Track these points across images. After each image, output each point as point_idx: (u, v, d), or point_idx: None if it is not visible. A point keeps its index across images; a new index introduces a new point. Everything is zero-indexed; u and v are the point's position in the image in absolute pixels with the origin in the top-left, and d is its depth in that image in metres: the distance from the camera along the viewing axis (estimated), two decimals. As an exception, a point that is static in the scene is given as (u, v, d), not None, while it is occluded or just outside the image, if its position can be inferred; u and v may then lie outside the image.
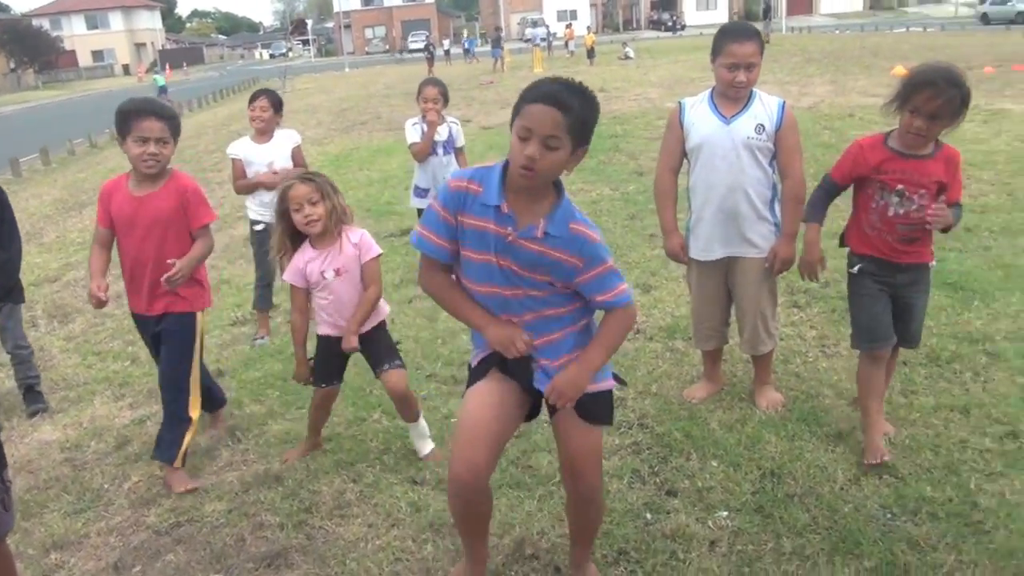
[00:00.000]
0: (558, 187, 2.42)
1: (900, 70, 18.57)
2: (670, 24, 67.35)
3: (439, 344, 5.13)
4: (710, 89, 3.87)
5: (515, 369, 2.59)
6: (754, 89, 3.76)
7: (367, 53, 73.71)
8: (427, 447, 3.80)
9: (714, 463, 3.54)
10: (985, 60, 19.56)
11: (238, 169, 5.27)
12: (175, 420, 3.67)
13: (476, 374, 2.66)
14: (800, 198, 3.80)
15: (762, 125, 3.71)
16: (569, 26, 46.44)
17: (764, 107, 3.74)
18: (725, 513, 3.19)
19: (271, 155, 5.25)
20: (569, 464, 2.66)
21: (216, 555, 3.19)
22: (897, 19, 51.64)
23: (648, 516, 3.21)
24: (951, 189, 3.33)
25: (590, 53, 32.96)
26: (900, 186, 3.28)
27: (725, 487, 3.35)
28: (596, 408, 2.62)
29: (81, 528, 3.45)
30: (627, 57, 33.41)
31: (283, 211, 3.52)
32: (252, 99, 5.28)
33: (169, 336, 3.65)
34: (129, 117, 3.44)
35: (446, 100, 5.96)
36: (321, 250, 3.53)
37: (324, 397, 3.76)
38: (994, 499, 3.13)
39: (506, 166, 2.38)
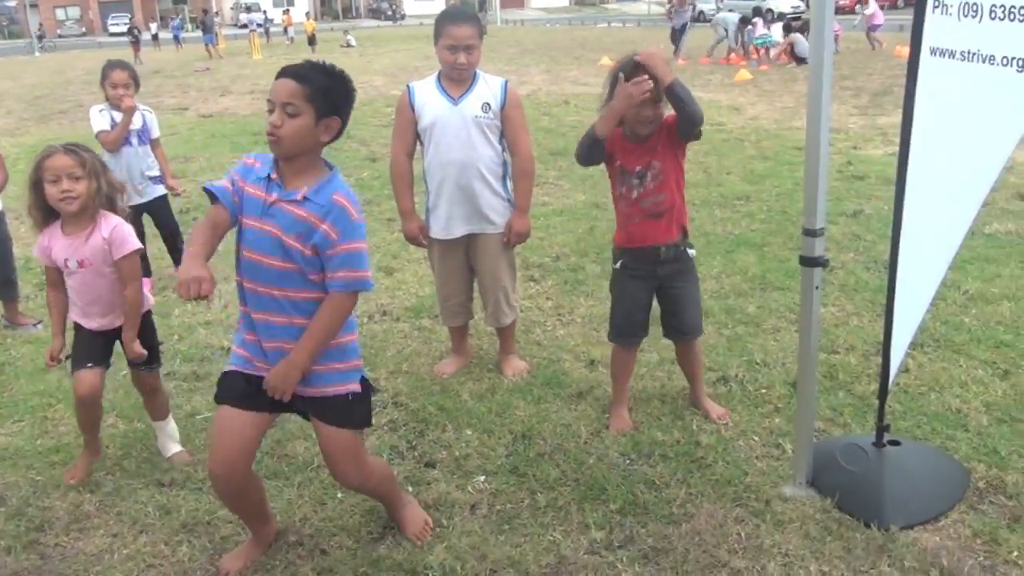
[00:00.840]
0: (330, 167, 2.59)
1: (607, 61, 20.11)
2: (390, 13, 67.67)
3: (176, 340, 4.85)
4: (436, 72, 3.98)
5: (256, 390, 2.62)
6: (478, 71, 3.91)
7: (59, 36, 66.77)
8: (174, 447, 3.60)
9: (469, 432, 3.68)
10: (722, 47, 21.60)
11: None
12: None
13: (223, 389, 2.69)
14: (529, 173, 4.02)
15: (488, 104, 3.87)
16: (287, 12, 45.23)
17: (488, 87, 3.91)
18: (483, 477, 3.33)
19: None
20: (326, 461, 2.81)
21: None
22: (599, 15, 55.64)
23: (410, 489, 3.27)
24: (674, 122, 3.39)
25: (311, 40, 32.29)
26: (638, 167, 3.39)
27: (481, 453, 3.50)
28: (335, 412, 2.68)
29: None
30: (349, 45, 33.18)
31: (36, 180, 3.10)
32: None
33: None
34: None
35: (137, 85, 5.39)
36: (69, 236, 3.16)
37: (86, 383, 3.21)
38: (712, 436, 3.54)
39: None
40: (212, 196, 2.55)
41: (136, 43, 33.00)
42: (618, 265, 3.58)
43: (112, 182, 3.27)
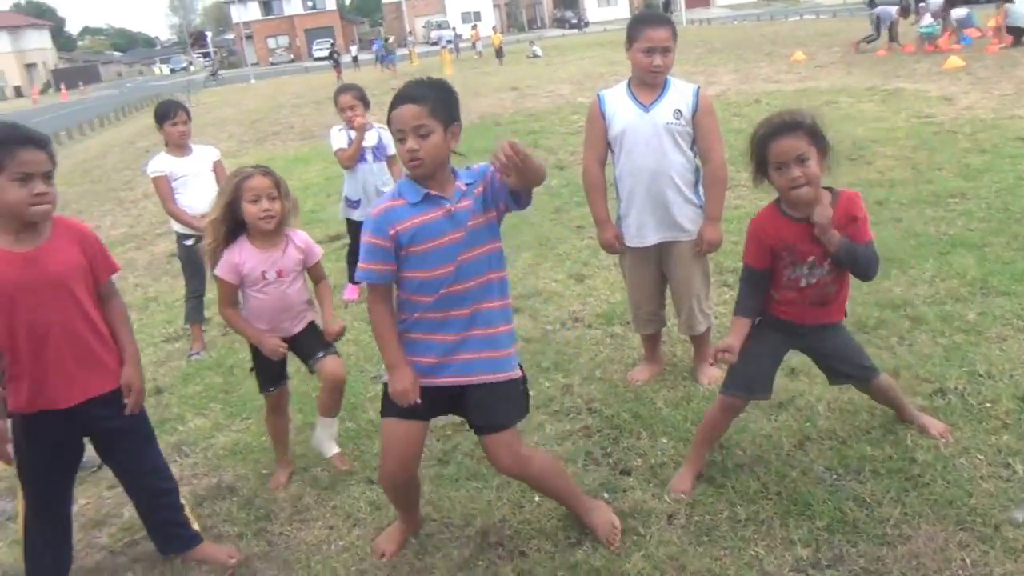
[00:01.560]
0: (453, 171, 2.76)
1: (800, 56, 19.28)
2: (574, 22, 68.24)
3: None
4: (626, 80, 3.96)
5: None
6: (669, 77, 3.86)
7: (271, 63, 72.40)
8: (334, 448, 3.76)
9: (664, 440, 3.63)
10: (877, 43, 20.38)
11: (164, 187, 5.10)
12: (174, 506, 3.14)
13: (391, 401, 2.83)
14: (722, 180, 3.92)
15: (679, 110, 3.80)
16: (475, 27, 46.65)
17: (680, 93, 3.85)
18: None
19: (195, 167, 5.15)
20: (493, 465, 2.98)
21: (176, 570, 3.13)
22: (790, 7, 53.35)
23: (605, 495, 3.28)
24: (858, 233, 2.97)
25: (499, 53, 33.15)
26: (811, 257, 2.98)
27: (676, 462, 3.44)
28: (497, 409, 2.81)
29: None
30: (535, 56, 33.72)
31: (232, 200, 3.31)
32: (170, 112, 5.10)
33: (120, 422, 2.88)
34: (3, 147, 2.56)
35: (366, 104, 5.73)
36: (263, 250, 3.38)
37: (276, 400, 3.65)
38: (930, 453, 3.29)
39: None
40: (372, 284, 2.78)
41: (337, 66, 35.23)
42: (756, 321, 3.17)
43: (295, 203, 3.49)
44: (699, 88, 3.93)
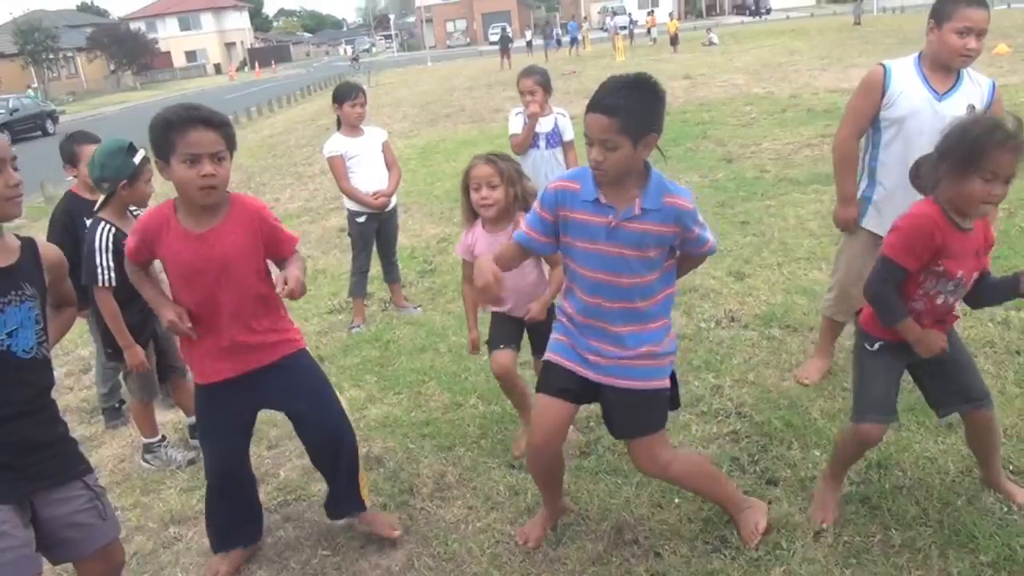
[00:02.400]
0: (646, 166, 2.62)
1: (1003, 48, 17.80)
2: (754, 8, 65.94)
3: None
4: (915, 56, 3.64)
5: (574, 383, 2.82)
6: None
7: (448, 47, 74.31)
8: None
9: (816, 452, 3.47)
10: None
11: (340, 166, 5.35)
12: (353, 463, 3.18)
13: (546, 379, 2.89)
14: None
15: (973, 106, 3.50)
16: (651, 13, 46.04)
17: (975, 86, 3.56)
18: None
19: (367, 147, 5.37)
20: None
21: (323, 533, 3.30)
22: (997, -4, 49.36)
23: (750, 504, 3.17)
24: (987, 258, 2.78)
25: (673, 40, 32.53)
26: (960, 273, 2.70)
27: (828, 476, 3.28)
28: (641, 416, 2.80)
29: (196, 504, 3.60)
30: (711, 43, 32.86)
31: (464, 186, 3.51)
32: (350, 94, 5.31)
33: (298, 372, 3.03)
34: (173, 127, 2.59)
35: (547, 90, 5.48)
36: (492, 234, 3.48)
37: (502, 365, 3.53)
38: (1120, 495, 2.98)
39: None
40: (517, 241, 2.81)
41: (505, 51, 35.15)
42: (875, 347, 2.88)
43: (527, 189, 3.51)
44: (995, 81, 3.65)
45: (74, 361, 5.75)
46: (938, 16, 3.48)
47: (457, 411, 4.20)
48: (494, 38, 62.94)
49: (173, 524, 3.51)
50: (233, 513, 3.12)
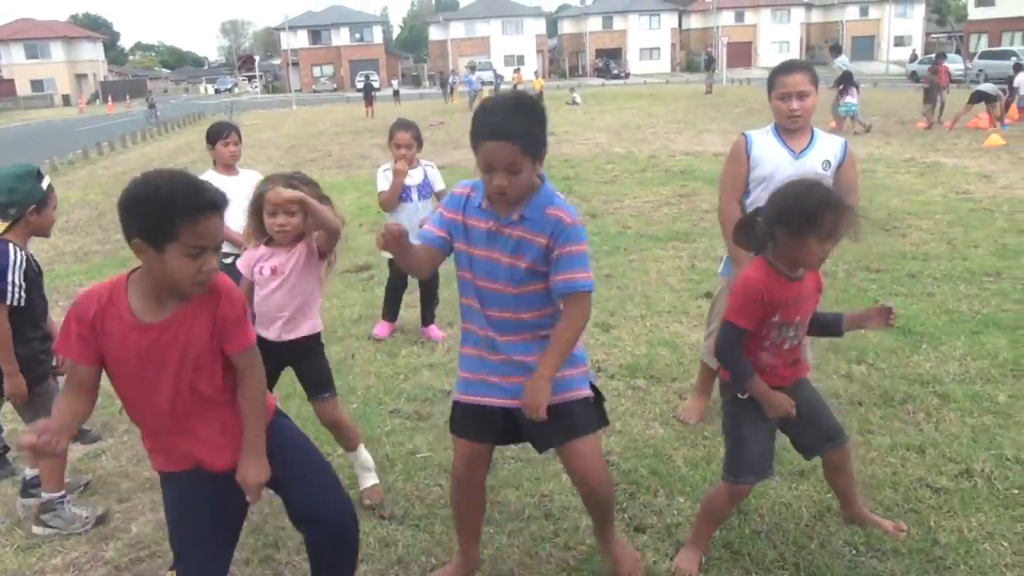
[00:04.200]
0: (541, 179, 2.63)
1: (833, 124, 19.31)
2: (615, 72, 68.95)
3: (401, 380, 5.10)
4: (772, 125, 3.95)
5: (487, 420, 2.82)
6: (815, 129, 3.90)
7: (314, 91, 73.62)
8: (370, 479, 3.74)
9: (681, 499, 3.58)
10: (916, 115, 20.40)
11: None
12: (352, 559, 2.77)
13: (458, 421, 2.92)
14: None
15: (828, 162, 3.82)
16: (517, 71, 47.21)
17: (828, 144, 3.89)
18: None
19: (242, 188, 5.20)
20: (575, 477, 2.88)
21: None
22: (832, 74, 53.58)
23: (618, 552, 3.22)
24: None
25: (538, 97, 33.47)
26: (798, 318, 2.90)
27: (692, 523, 3.38)
28: (577, 419, 2.77)
29: (36, 563, 3.32)
30: (574, 103, 34.02)
31: (257, 208, 3.40)
32: (223, 132, 5.18)
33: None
34: (180, 214, 2.16)
35: (420, 144, 5.62)
36: (285, 249, 3.45)
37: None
38: (953, 536, 3.22)
39: None
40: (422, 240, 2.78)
41: (368, 99, 34.66)
42: (744, 396, 2.93)
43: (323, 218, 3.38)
44: (846, 142, 3.98)
45: None
46: (768, 87, 3.90)
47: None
48: (360, 85, 62.93)
49: (8, 587, 3.22)
50: None
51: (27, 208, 3.47)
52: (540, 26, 79.46)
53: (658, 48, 78.48)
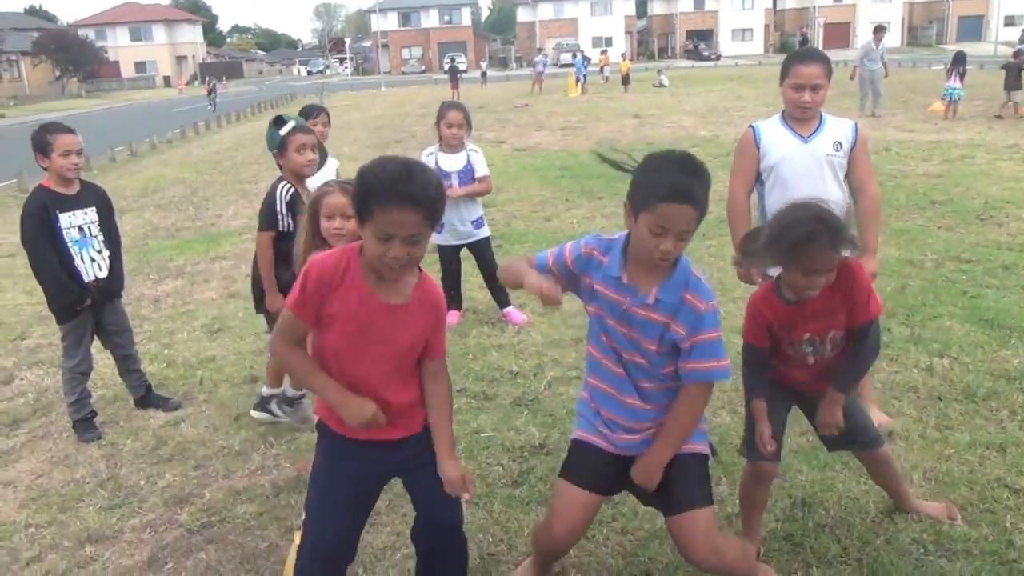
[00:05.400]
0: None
1: (938, 106, 18.51)
2: (706, 54, 67.56)
3: (469, 359, 5.16)
4: (780, 113, 3.92)
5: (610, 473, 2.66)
6: (823, 112, 3.82)
7: (403, 73, 74.49)
8: None
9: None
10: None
11: None
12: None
13: (574, 463, 2.70)
14: (878, 214, 3.86)
15: (839, 143, 3.77)
16: (604, 52, 46.72)
17: (838, 127, 3.82)
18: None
19: (322, 172, 5.33)
20: (679, 548, 2.63)
21: (247, 556, 3.23)
22: (935, 55, 51.34)
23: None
24: (856, 311, 2.81)
25: (625, 80, 33.11)
26: (807, 335, 2.85)
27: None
28: (687, 485, 2.58)
29: (115, 523, 3.51)
30: (661, 85, 33.52)
31: (314, 213, 3.27)
32: (312, 113, 5.27)
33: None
34: (377, 198, 2.19)
35: (469, 126, 5.58)
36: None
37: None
38: (1030, 538, 3.09)
39: (627, 241, 2.51)
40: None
41: (455, 80, 35.13)
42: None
43: None
44: (856, 123, 3.89)
45: (-4, 371, 5.56)
46: (782, 74, 3.80)
47: (391, 436, 4.16)
48: (447, 67, 63.34)
49: (90, 543, 3.39)
50: None
51: (274, 153, 4.17)
52: (629, 7, 78.30)
53: (751, 29, 76.34)
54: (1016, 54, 18.36)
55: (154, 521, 3.52)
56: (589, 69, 37.58)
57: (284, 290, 3.85)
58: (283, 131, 4.10)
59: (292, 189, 4.09)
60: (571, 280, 2.60)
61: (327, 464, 2.57)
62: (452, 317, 5.99)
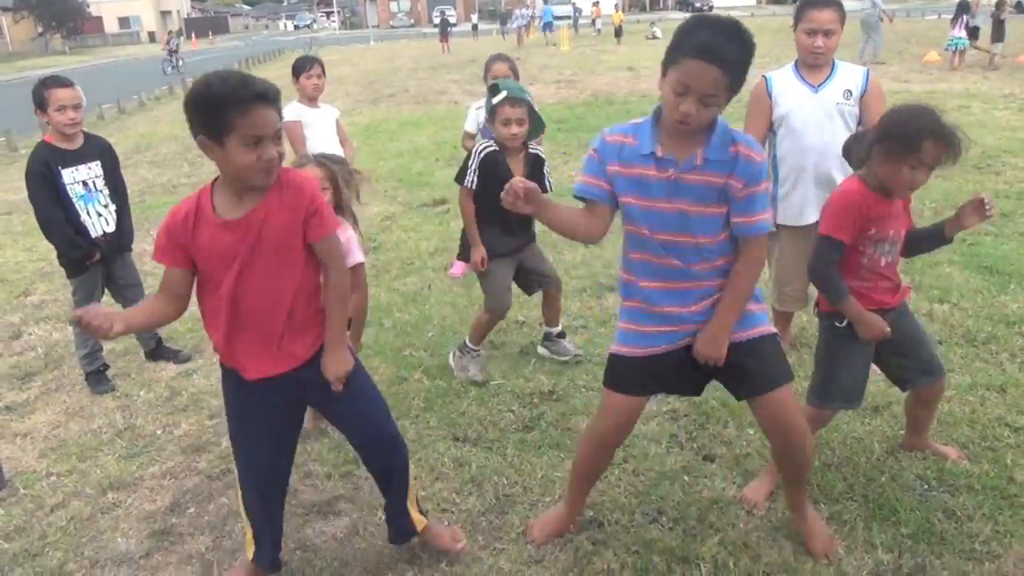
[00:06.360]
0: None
1: (934, 56, 18.43)
2: (698, 5, 66.78)
3: (476, 310, 5.19)
4: (793, 62, 3.95)
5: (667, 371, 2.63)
6: (835, 59, 3.84)
7: (391, 27, 73.43)
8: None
9: (751, 431, 3.59)
10: (1018, 49, 19.30)
11: (298, 132, 5.32)
12: (404, 477, 2.84)
13: (614, 376, 2.70)
14: None
15: (849, 91, 3.80)
16: (596, 4, 46.14)
17: (849, 74, 3.84)
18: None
19: (323, 120, 5.39)
20: (771, 429, 2.65)
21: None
22: (928, 5, 50.85)
23: (686, 479, 3.28)
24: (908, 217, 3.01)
25: (618, 32, 32.76)
26: (892, 231, 2.89)
27: (762, 454, 3.41)
28: (769, 364, 2.57)
29: (135, 471, 3.57)
30: (655, 37, 33.19)
31: None
32: (306, 66, 5.37)
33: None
34: (234, 106, 2.20)
35: (516, 77, 5.36)
36: None
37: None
38: (1030, 474, 3.18)
39: (657, 115, 2.43)
40: (585, 200, 2.56)
41: (444, 34, 34.28)
42: (843, 324, 2.95)
43: (354, 188, 3.43)
44: (868, 70, 3.90)
45: (2, 328, 5.58)
46: (795, 19, 3.84)
47: (401, 385, 4.22)
48: (437, 20, 62.37)
49: (112, 490, 3.46)
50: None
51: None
52: (621, -42, 77.18)
53: (744, -21, 75.47)
54: (998, 5, 18.28)
55: (173, 468, 3.59)
56: (581, 21, 37.14)
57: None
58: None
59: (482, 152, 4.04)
60: (619, 182, 2.48)
61: (232, 403, 2.64)
62: (458, 268, 6.03)
